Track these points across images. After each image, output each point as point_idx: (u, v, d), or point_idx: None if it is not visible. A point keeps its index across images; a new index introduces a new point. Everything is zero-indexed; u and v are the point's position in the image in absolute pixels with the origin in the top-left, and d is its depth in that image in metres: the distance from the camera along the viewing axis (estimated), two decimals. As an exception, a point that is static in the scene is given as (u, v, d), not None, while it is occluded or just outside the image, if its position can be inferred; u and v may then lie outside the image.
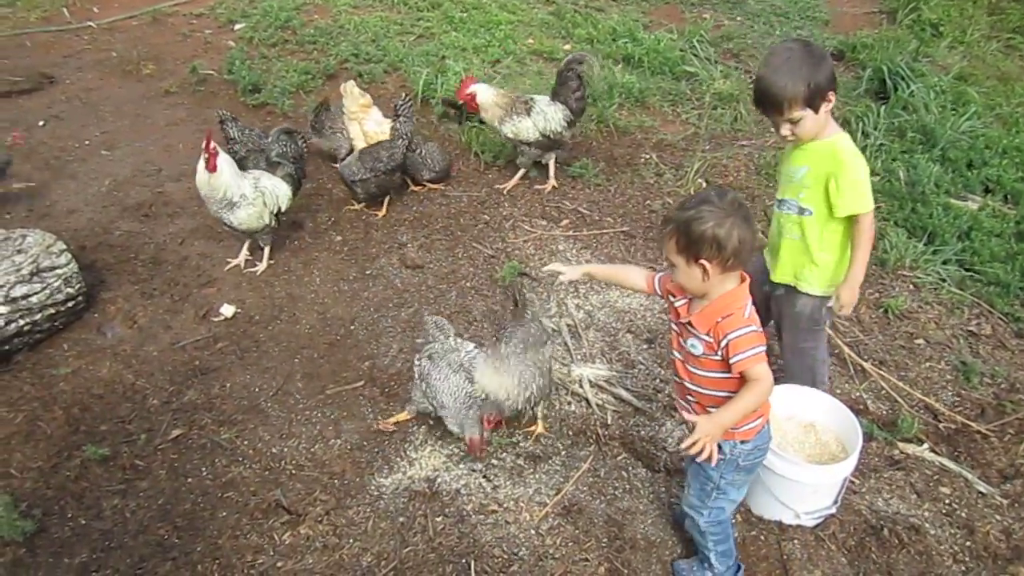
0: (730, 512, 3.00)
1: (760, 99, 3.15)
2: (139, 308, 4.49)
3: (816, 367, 3.55)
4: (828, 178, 3.11)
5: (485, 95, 5.35)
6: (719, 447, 2.71)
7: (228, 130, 5.14)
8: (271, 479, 3.53)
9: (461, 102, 5.76)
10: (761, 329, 2.62)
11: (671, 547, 3.27)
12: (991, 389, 4.09)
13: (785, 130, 3.13)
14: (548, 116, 5.32)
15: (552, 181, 5.60)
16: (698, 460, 2.63)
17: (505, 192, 5.55)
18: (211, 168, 4.38)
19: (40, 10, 8.25)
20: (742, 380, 2.60)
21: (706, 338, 2.62)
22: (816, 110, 3.05)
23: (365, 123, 5.35)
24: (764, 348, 2.56)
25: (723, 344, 2.57)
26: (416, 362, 3.69)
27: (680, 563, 3.18)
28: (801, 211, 3.22)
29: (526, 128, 5.30)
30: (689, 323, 2.67)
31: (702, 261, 2.52)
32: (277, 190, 4.71)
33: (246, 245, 4.82)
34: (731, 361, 2.56)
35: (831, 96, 3.06)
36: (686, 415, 2.70)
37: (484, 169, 5.87)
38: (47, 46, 7.64)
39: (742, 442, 2.76)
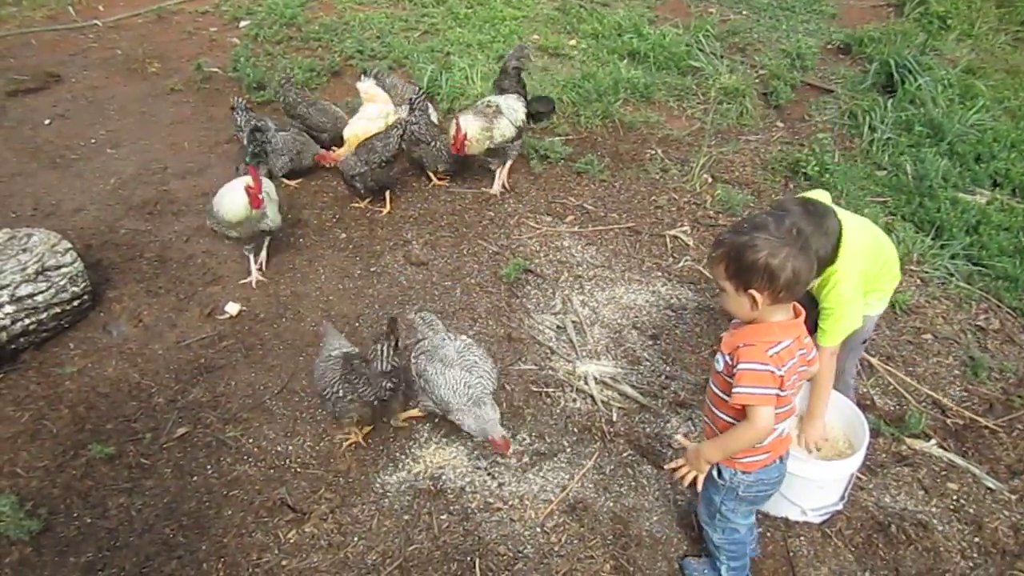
0: (745, 533, 2.95)
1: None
2: (144, 307, 4.50)
3: (847, 383, 3.52)
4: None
5: (472, 128, 5.07)
6: (719, 472, 2.75)
7: (237, 118, 5.35)
8: (276, 477, 3.53)
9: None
10: (781, 371, 2.46)
11: (677, 544, 3.26)
12: (999, 384, 4.07)
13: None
14: (514, 108, 5.30)
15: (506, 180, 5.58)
16: (683, 484, 2.76)
17: (499, 193, 5.50)
18: (255, 205, 4.37)
19: (46, 9, 8.26)
20: (743, 413, 2.56)
21: (727, 358, 2.58)
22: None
23: (359, 118, 5.45)
24: (769, 392, 2.47)
25: (735, 370, 2.50)
26: (412, 360, 3.68)
27: (691, 561, 3.17)
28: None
29: (506, 127, 5.21)
30: (721, 338, 2.65)
31: (752, 291, 2.44)
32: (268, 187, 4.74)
33: (252, 258, 4.71)
34: (733, 390, 2.51)
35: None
36: (681, 438, 2.85)
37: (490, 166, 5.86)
38: (53, 45, 7.65)
39: (743, 472, 2.73)
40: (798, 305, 2.59)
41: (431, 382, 3.52)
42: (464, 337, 3.71)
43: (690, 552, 3.23)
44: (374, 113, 5.50)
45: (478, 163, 5.63)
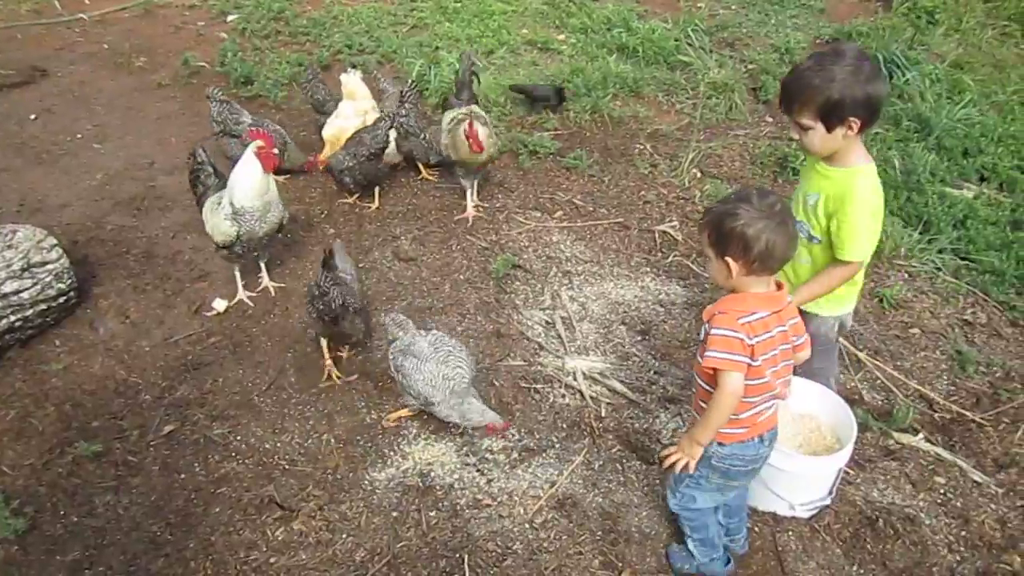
0: (704, 505, 2.95)
1: (781, 89, 3.03)
2: (131, 303, 4.47)
3: (829, 385, 3.52)
4: (835, 213, 2.98)
5: (482, 130, 4.80)
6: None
7: (212, 110, 5.33)
8: (264, 474, 3.52)
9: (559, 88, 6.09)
10: (751, 341, 2.53)
11: (665, 539, 3.27)
12: (986, 378, 4.09)
13: (794, 132, 3.00)
14: (487, 119, 5.09)
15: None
16: (675, 470, 2.82)
17: (470, 220, 5.18)
18: (270, 167, 4.19)
19: (31, 3, 8.19)
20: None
21: (705, 327, 2.66)
22: (829, 129, 2.85)
23: (335, 117, 5.45)
24: (738, 358, 2.53)
25: (708, 336, 2.60)
26: (390, 357, 3.69)
27: (673, 546, 3.21)
28: (811, 238, 3.11)
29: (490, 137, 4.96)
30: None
31: (727, 258, 2.55)
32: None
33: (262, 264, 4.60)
34: (704, 355, 2.60)
35: (853, 124, 2.81)
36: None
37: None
38: (38, 39, 7.59)
39: (719, 443, 2.76)
40: (781, 281, 2.69)
41: (409, 377, 3.52)
42: (434, 330, 3.71)
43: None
44: (350, 112, 5.47)
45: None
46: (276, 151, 4.17)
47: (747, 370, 2.57)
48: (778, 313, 2.63)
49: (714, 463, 2.80)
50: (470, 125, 4.71)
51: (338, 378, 3.98)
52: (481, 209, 5.25)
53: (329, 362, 3.96)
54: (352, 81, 5.51)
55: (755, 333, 2.56)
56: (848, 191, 2.94)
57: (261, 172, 4.15)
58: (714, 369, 2.58)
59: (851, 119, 2.81)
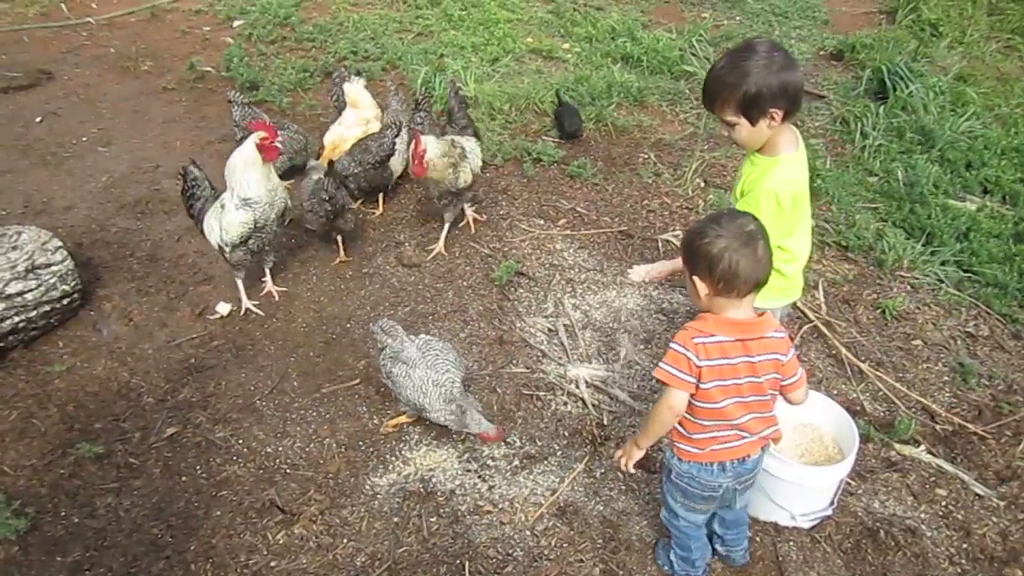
0: (684, 521, 2.94)
1: (702, 91, 3.05)
2: (135, 306, 4.48)
3: None
4: (745, 195, 3.01)
5: (432, 149, 4.52)
6: (661, 449, 2.85)
7: (233, 112, 5.30)
8: (265, 478, 3.52)
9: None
10: (701, 363, 2.51)
11: (655, 542, 3.26)
12: (988, 391, 4.08)
13: (723, 129, 3.02)
14: (475, 151, 4.89)
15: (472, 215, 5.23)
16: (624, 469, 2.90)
17: (440, 253, 4.95)
18: (270, 156, 4.20)
19: (38, 6, 8.22)
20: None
21: None
22: (752, 122, 2.87)
23: (337, 124, 5.48)
24: (682, 376, 2.52)
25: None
26: (381, 364, 3.69)
27: (661, 541, 3.23)
28: None
29: (467, 172, 4.73)
30: None
31: (695, 277, 2.54)
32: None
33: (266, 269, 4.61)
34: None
35: (775, 114, 2.83)
36: None
37: (481, 167, 5.85)
38: (45, 42, 7.62)
39: (677, 458, 2.77)
40: (764, 311, 2.65)
41: (398, 384, 3.53)
42: (423, 335, 3.71)
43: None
44: (352, 120, 5.47)
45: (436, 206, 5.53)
46: (279, 144, 4.20)
47: (695, 391, 2.55)
48: (744, 342, 2.55)
49: (673, 478, 2.81)
50: (416, 142, 4.47)
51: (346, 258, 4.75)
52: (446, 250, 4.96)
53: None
54: (355, 89, 5.51)
55: (708, 356, 2.52)
56: (761, 177, 2.95)
57: (261, 162, 4.16)
58: (657, 379, 2.61)
59: (771, 110, 2.83)
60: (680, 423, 2.70)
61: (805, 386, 2.73)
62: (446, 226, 4.96)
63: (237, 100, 5.36)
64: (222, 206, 4.23)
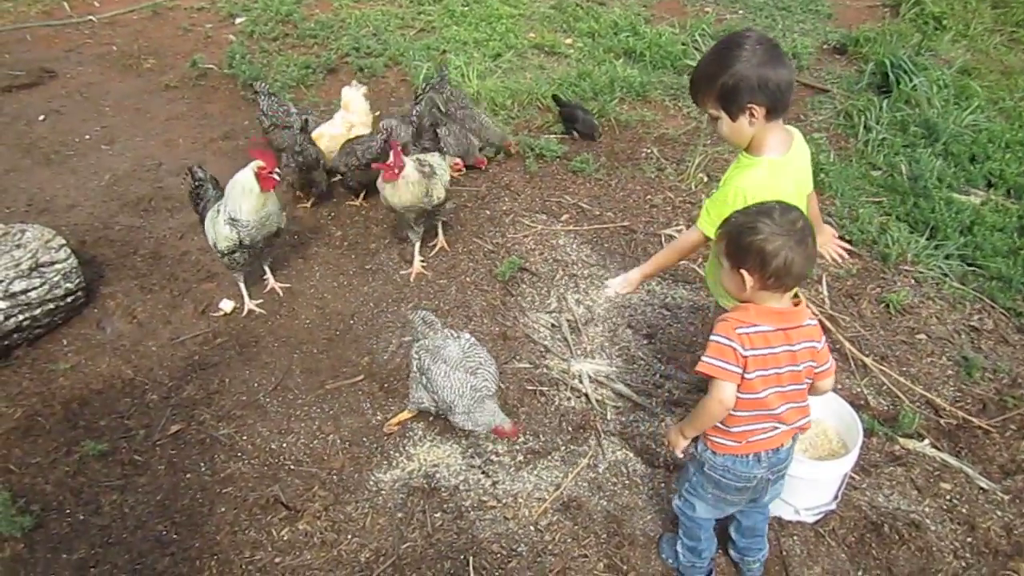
0: (702, 515, 2.94)
1: (689, 81, 3.00)
2: (138, 303, 4.49)
3: None
4: (719, 185, 2.98)
5: (409, 166, 4.39)
6: (696, 442, 2.82)
7: (260, 103, 5.31)
8: (269, 475, 3.53)
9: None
10: (746, 352, 2.51)
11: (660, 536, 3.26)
12: (993, 384, 4.07)
13: (710, 124, 2.96)
14: (442, 166, 4.72)
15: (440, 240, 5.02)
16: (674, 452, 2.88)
17: (412, 281, 4.71)
18: (267, 187, 4.14)
19: (41, 4, 8.25)
20: None
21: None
22: (732, 117, 2.80)
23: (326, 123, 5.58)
24: (730, 368, 2.51)
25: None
26: (414, 355, 3.66)
27: (667, 535, 3.23)
28: None
29: (440, 189, 4.58)
30: None
31: (743, 271, 2.50)
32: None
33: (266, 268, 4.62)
34: (702, 358, 2.59)
35: (755, 110, 2.75)
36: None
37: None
38: (48, 40, 7.64)
39: (712, 452, 2.76)
40: (799, 299, 2.64)
41: (434, 382, 3.48)
42: (466, 335, 3.68)
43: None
44: (339, 120, 5.57)
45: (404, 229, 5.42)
46: (276, 173, 4.15)
47: (741, 381, 2.54)
48: (786, 331, 2.56)
49: (706, 470, 2.80)
50: (396, 155, 4.29)
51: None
52: (428, 268, 4.79)
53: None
54: (351, 94, 5.59)
55: (752, 346, 2.52)
56: (737, 173, 2.90)
57: (259, 191, 4.14)
58: (703, 374, 2.58)
59: (750, 105, 2.75)
60: None
61: (834, 375, 2.74)
62: (416, 244, 4.72)
63: (263, 90, 5.35)
64: (218, 212, 4.24)
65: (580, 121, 6.01)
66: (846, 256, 3.48)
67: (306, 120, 5.15)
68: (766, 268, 2.45)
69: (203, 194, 4.48)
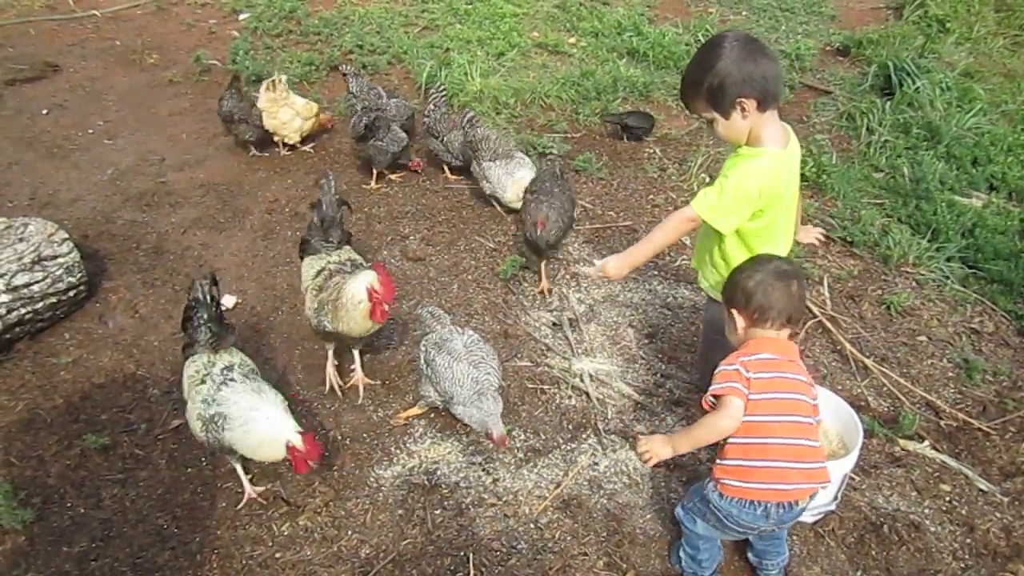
0: (702, 532, 2.93)
1: (679, 92, 3.05)
2: (141, 297, 4.49)
3: None
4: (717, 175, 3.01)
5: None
6: (710, 477, 2.82)
7: (349, 84, 5.46)
8: (270, 470, 3.52)
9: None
10: (748, 374, 2.64)
11: (670, 542, 3.27)
12: (993, 387, 4.08)
13: (708, 129, 3.02)
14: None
15: None
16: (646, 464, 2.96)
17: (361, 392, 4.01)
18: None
19: (44, -1, 8.26)
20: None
21: None
22: (724, 115, 2.85)
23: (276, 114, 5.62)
24: (735, 386, 2.63)
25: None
26: (422, 348, 3.67)
27: (677, 543, 3.21)
28: None
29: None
30: None
31: (733, 311, 2.79)
32: None
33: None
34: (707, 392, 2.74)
35: (746, 104, 2.79)
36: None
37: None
38: (51, 35, 7.64)
39: (719, 493, 2.74)
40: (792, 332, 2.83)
41: (438, 372, 3.50)
42: (470, 331, 3.69)
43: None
44: (300, 104, 5.71)
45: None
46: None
47: (747, 402, 2.63)
48: (788, 360, 2.73)
49: (711, 507, 2.79)
50: (381, 272, 3.49)
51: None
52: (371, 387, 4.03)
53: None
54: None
55: (756, 369, 2.65)
56: (738, 163, 2.92)
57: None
58: (716, 397, 2.68)
59: (739, 100, 2.79)
60: (726, 453, 2.71)
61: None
62: (357, 357, 3.96)
63: (350, 72, 5.34)
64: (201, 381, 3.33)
65: (633, 123, 6.02)
66: (822, 239, 3.60)
67: (235, 76, 5.45)
68: (749, 304, 2.72)
69: (195, 320, 3.50)
